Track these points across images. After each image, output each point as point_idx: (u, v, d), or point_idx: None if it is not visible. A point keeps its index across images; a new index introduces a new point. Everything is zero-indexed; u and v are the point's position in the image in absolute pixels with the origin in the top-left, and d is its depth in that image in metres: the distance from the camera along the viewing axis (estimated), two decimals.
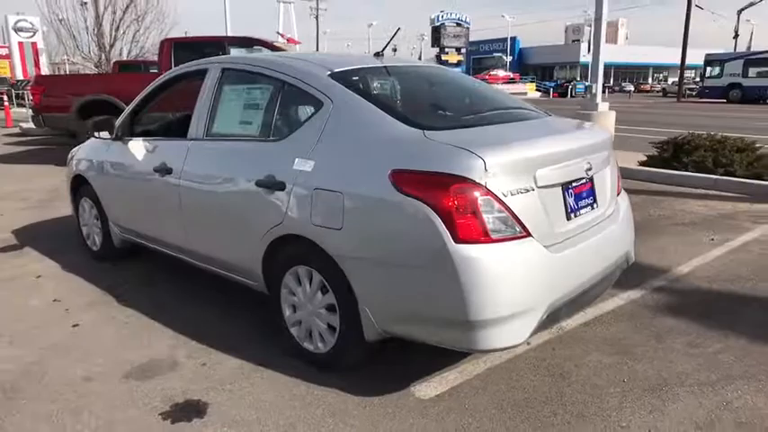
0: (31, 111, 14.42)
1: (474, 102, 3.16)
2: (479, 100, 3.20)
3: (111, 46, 19.15)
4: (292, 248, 2.70)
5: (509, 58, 58.79)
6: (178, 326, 3.27)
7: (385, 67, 3.06)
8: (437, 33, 43.96)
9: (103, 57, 18.96)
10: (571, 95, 44.80)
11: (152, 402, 2.53)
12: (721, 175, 6.95)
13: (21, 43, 24.20)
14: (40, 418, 2.43)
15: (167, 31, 20.39)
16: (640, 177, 7.56)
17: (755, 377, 2.68)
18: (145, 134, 3.92)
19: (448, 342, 2.33)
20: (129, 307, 3.56)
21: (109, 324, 3.33)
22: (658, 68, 68.67)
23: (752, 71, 31.83)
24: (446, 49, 44.09)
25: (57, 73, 31.38)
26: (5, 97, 17.59)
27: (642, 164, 7.93)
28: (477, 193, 2.15)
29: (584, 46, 54.83)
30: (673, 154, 7.57)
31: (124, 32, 19.37)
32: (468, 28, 45.71)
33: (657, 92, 52.48)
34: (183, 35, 15.10)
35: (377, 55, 3.24)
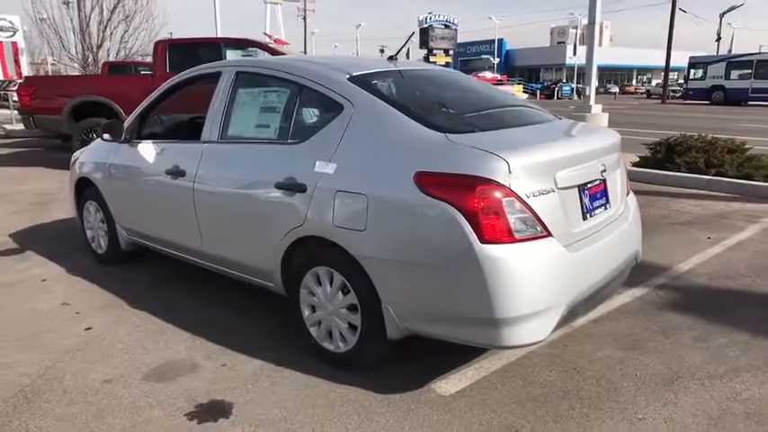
0: (16, 112, 14.25)
1: (489, 105, 3.22)
2: (493, 103, 3.27)
3: (99, 47, 18.92)
4: (313, 250, 2.74)
5: (496, 60, 59.15)
6: (193, 328, 3.29)
7: (400, 70, 3.11)
8: (425, 35, 44.10)
9: (91, 58, 18.73)
10: (557, 97, 45.28)
11: (176, 403, 2.55)
12: (713, 175, 7.12)
13: (0, 43, 23.79)
14: (64, 421, 2.44)
15: (157, 31, 20.24)
16: (635, 178, 7.67)
17: (761, 370, 2.77)
18: (154, 137, 3.93)
19: (472, 339, 2.39)
20: (140, 309, 3.57)
21: (122, 327, 3.34)
22: (642, 70, 69.49)
23: (734, 74, 32.43)
24: (434, 51, 44.23)
25: (38, 73, 30.97)
26: None
27: (635, 165, 8.07)
28: (501, 195, 2.22)
29: (569, 48, 55.42)
30: (665, 155, 7.72)
31: (112, 33, 19.15)
32: (455, 30, 45.90)
33: (642, 93, 53.19)
34: (169, 36, 15.00)
35: (390, 59, 3.30)
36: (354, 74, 2.86)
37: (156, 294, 3.82)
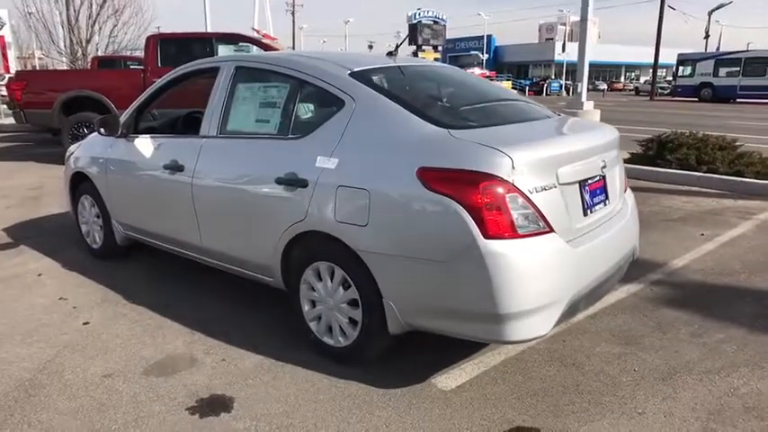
0: (5, 107, 14.05)
1: (489, 101, 3.23)
2: (494, 99, 3.28)
3: (88, 41, 18.73)
4: (314, 245, 2.74)
5: (485, 56, 59.17)
6: (191, 322, 3.28)
7: (399, 66, 3.11)
8: (414, 31, 44.01)
9: (80, 52, 18.53)
10: (546, 93, 45.47)
11: (177, 398, 2.55)
12: (704, 172, 7.19)
13: None
14: (66, 415, 2.43)
15: (146, 26, 20.08)
16: (627, 174, 7.74)
17: (758, 365, 2.81)
18: (151, 131, 3.90)
19: (474, 334, 2.41)
20: (138, 304, 3.55)
21: (120, 321, 3.33)
22: (630, 67, 69.85)
23: (722, 71, 32.73)
24: (423, 47, 44.17)
25: (25, 68, 30.57)
26: None
27: (626, 161, 8.12)
28: (505, 190, 2.23)
29: (558, 45, 55.59)
30: (657, 152, 7.78)
31: (101, 27, 18.98)
32: (444, 26, 45.80)
33: (630, 90, 53.49)
34: (157, 31, 14.87)
35: (389, 54, 3.30)
36: (355, 69, 2.86)
37: (152, 289, 3.81)
